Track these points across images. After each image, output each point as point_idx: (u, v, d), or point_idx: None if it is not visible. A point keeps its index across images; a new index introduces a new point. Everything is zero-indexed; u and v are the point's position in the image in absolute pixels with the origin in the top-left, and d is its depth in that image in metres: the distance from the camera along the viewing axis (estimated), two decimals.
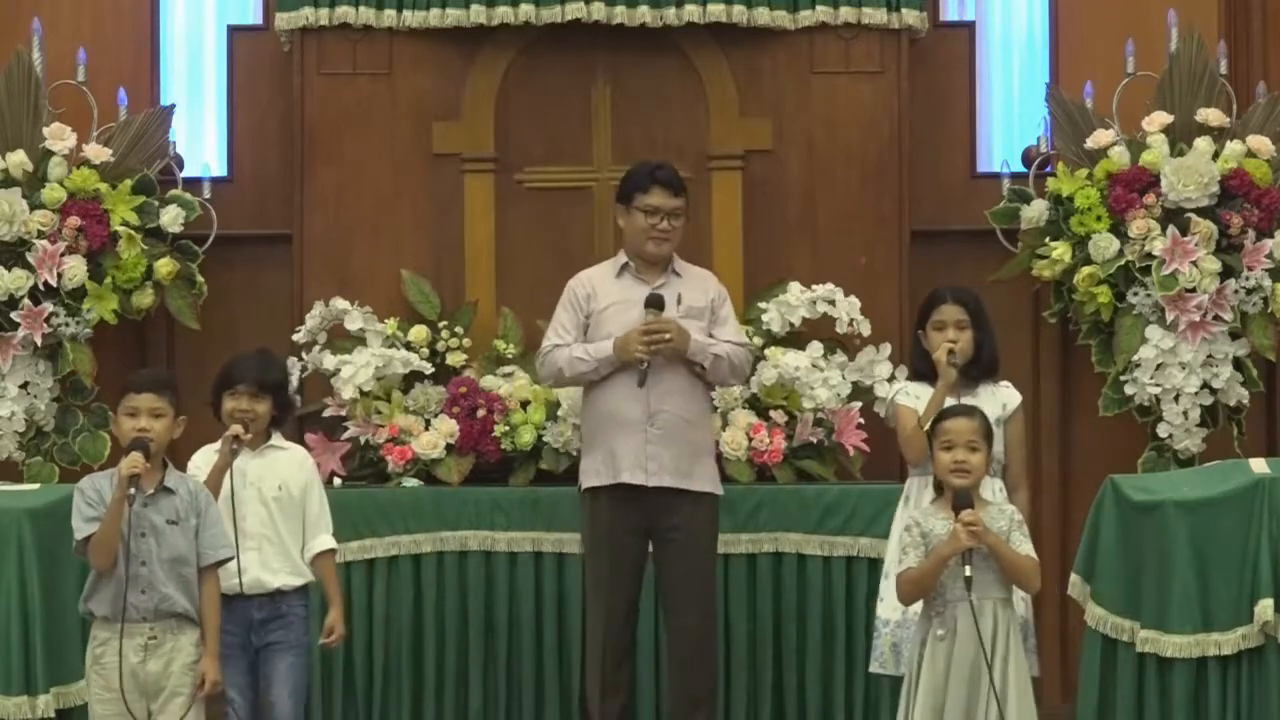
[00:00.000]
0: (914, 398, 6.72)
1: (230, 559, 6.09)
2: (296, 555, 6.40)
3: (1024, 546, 5.95)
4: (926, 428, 6.32)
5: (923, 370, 6.85)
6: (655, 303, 6.86)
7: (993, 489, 6.55)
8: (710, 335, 6.96)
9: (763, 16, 7.97)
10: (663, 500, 6.87)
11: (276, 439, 6.50)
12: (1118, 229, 7.82)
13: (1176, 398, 7.79)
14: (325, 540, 6.46)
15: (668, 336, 6.80)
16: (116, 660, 5.92)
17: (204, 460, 6.41)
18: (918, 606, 6.12)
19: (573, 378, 6.96)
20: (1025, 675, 5.95)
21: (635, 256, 7.02)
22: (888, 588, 6.59)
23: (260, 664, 6.35)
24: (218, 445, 6.39)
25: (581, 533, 7.08)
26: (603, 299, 6.97)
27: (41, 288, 7.72)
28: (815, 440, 7.76)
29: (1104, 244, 7.79)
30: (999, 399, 6.78)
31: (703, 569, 6.95)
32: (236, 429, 6.32)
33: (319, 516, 6.47)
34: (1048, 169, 8.09)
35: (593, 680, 6.99)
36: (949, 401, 6.54)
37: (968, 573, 5.76)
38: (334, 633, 6.45)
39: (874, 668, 6.76)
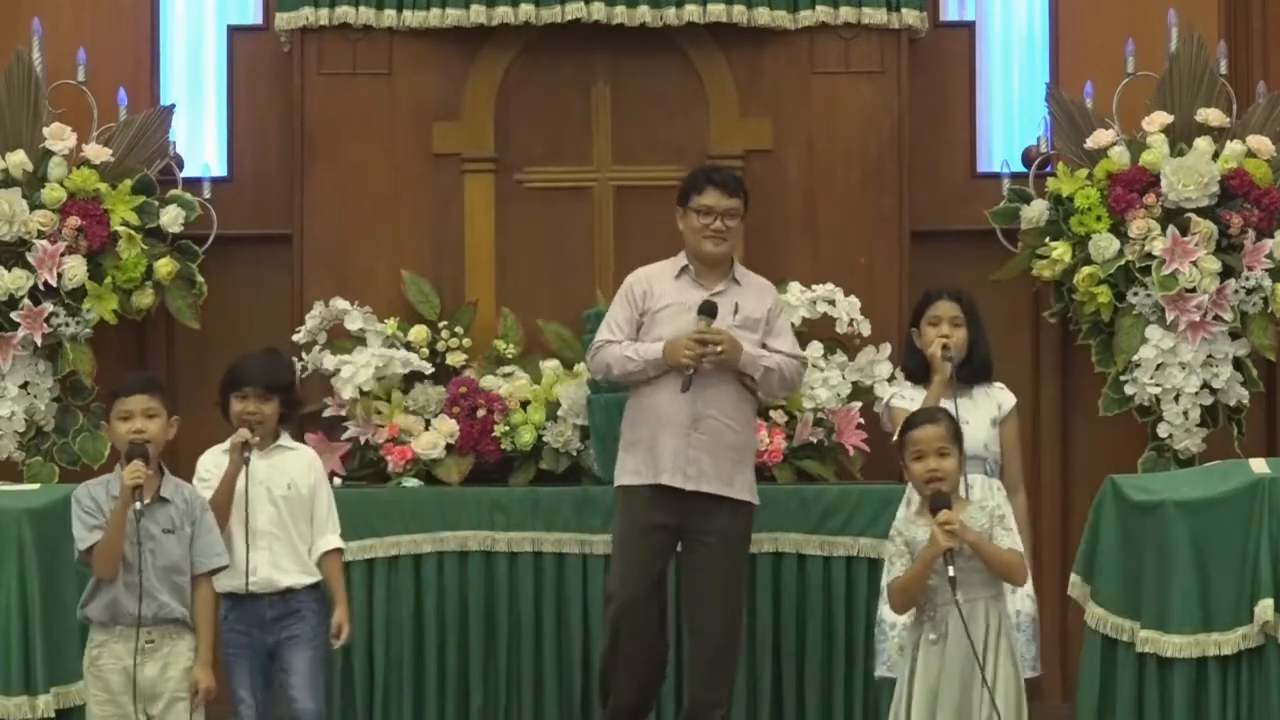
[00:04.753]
0: (910, 400, 6.65)
1: (225, 567, 6.10)
2: (305, 554, 6.41)
3: (1005, 540, 5.87)
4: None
5: (914, 368, 6.81)
6: (709, 310, 6.79)
7: (990, 488, 6.54)
8: (764, 345, 6.92)
9: (763, 16, 7.97)
10: (700, 505, 6.81)
11: (284, 439, 6.51)
12: (1118, 229, 7.82)
13: (1176, 398, 7.78)
14: (332, 540, 6.46)
15: (719, 349, 6.75)
16: (114, 664, 5.95)
17: (213, 462, 6.41)
18: None
19: (621, 376, 6.92)
20: (1017, 673, 5.90)
21: (694, 259, 6.96)
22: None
23: (278, 658, 6.35)
24: (225, 446, 6.39)
25: (613, 527, 7.01)
26: (659, 298, 6.92)
27: (41, 288, 7.72)
28: (815, 440, 7.76)
29: (1104, 244, 7.79)
30: (994, 400, 6.78)
31: (733, 576, 6.90)
32: (245, 434, 6.31)
33: (326, 516, 6.48)
34: (1048, 169, 8.09)
35: (607, 663, 6.92)
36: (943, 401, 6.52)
37: (951, 572, 5.72)
38: (341, 632, 6.42)
39: (881, 671, 6.66)
